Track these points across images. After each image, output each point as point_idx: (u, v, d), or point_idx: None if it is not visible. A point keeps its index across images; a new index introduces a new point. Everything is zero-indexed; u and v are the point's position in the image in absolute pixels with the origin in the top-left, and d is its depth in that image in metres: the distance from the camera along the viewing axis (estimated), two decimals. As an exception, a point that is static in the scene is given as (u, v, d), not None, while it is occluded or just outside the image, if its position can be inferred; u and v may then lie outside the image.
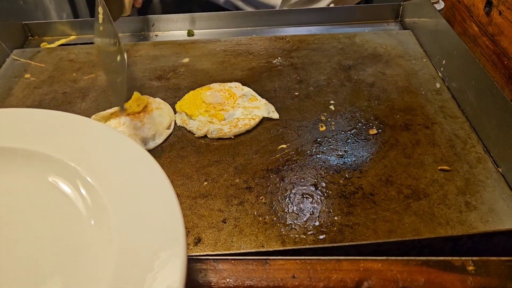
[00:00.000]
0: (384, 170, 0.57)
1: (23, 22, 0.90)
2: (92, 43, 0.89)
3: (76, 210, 0.40)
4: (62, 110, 0.68)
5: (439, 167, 0.58)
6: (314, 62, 0.78)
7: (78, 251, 0.36)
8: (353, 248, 0.48)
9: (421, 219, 0.51)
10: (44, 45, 0.88)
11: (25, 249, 0.37)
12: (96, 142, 0.44)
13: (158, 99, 0.69)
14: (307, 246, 0.47)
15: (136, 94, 0.68)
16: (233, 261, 0.35)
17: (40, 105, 0.70)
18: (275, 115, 0.67)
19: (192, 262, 0.35)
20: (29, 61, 0.81)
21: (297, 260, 0.35)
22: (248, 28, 0.92)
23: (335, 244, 0.47)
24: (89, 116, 0.66)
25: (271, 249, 0.46)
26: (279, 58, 0.79)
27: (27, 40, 0.90)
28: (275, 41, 0.85)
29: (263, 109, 0.67)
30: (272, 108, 0.68)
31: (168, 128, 0.64)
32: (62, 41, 0.89)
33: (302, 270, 0.34)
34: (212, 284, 0.33)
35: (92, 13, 1.23)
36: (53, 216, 0.40)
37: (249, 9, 1.05)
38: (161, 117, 0.65)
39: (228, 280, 0.34)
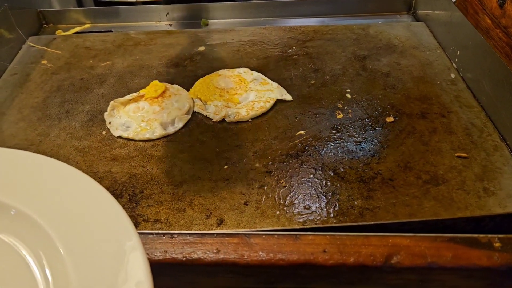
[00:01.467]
0: (402, 157, 0.58)
1: (38, 10, 0.90)
2: (107, 31, 0.89)
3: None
4: (80, 95, 0.69)
5: (456, 154, 0.58)
6: (329, 52, 0.79)
7: None
8: (376, 228, 0.48)
9: (440, 204, 0.52)
10: (59, 32, 0.88)
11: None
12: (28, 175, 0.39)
13: (176, 86, 0.69)
14: (331, 225, 0.48)
15: (154, 81, 0.69)
16: (264, 236, 0.36)
17: (58, 90, 0.71)
18: (288, 97, 0.67)
19: (223, 236, 0.36)
20: (45, 48, 0.81)
21: (327, 236, 0.35)
22: (261, 19, 0.93)
23: (361, 223, 0.48)
24: (108, 101, 0.67)
25: (297, 227, 0.47)
26: (294, 47, 0.80)
27: (41, 27, 0.91)
28: (289, 31, 0.85)
29: (276, 91, 0.68)
30: (284, 90, 0.69)
31: (187, 113, 0.65)
32: (77, 29, 0.90)
33: (332, 245, 0.35)
34: (245, 257, 0.34)
35: (97, 2, 1.22)
36: None
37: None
38: (179, 102, 0.65)
39: (260, 253, 0.34)
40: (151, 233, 0.36)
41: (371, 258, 0.34)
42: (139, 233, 0.36)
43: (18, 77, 0.74)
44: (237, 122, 0.64)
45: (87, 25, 0.92)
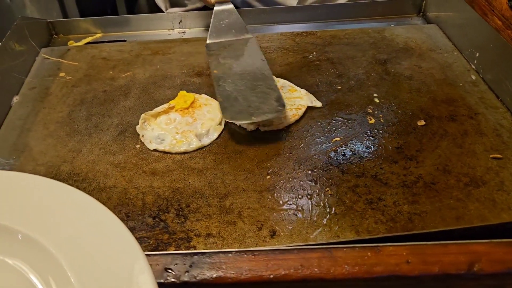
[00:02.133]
0: (440, 160, 0.59)
1: (48, 20, 0.88)
2: (120, 40, 0.88)
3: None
4: (106, 108, 0.68)
5: (491, 156, 0.59)
6: (350, 56, 0.79)
7: None
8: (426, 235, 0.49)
9: (484, 206, 0.53)
10: (71, 43, 0.86)
11: None
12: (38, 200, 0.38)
13: (204, 95, 0.69)
14: (394, 234, 0.48)
15: (182, 92, 0.68)
16: (344, 249, 0.36)
17: (82, 103, 0.69)
18: (318, 103, 0.68)
19: (305, 252, 0.36)
20: (61, 60, 0.79)
21: (407, 246, 0.36)
22: (274, 25, 0.93)
23: (426, 231, 0.48)
24: (136, 114, 0.66)
25: (367, 237, 0.47)
26: (314, 53, 0.80)
27: (51, 38, 0.89)
28: (306, 36, 0.85)
29: (306, 98, 0.68)
30: (313, 97, 0.69)
31: (220, 124, 0.64)
32: (89, 39, 0.88)
33: (414, 255, 0.35)
34: (331, 271, 0.34)
35: (82, 13, 1.19)
36: None
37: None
38: (211, 113, 0.65)
39: (345, 267, 0.34)
40: (230, 252, 0.36)
41: (454, 266, 0.34)
42: (220, 252, 0.36)
43: (38, 91, 0.72)
44: (271, 131, 0.64)
45: (98, 35, 0.90)
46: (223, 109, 0.63)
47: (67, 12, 1.48)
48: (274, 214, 0.52)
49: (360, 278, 0.34)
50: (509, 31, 0.84)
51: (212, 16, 0.81)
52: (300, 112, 0.66)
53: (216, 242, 0.49)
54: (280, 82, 0.71)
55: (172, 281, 0.34)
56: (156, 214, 0.52)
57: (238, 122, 0.63)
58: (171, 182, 0.56)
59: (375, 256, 0.35)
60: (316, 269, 0.34)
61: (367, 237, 0.49)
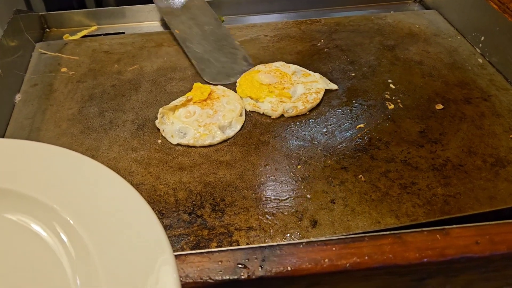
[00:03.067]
0: (463, 142, 0.60)
1: (40, 13, 0.83)
2: (119, 32, 0.84)
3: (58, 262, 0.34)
4: (118, 103, 0.65)
5: (510, 136, 0.61)
6: (358, 43, 0.79)
7: None
8: (471, 217, 0.50)
9: (513, 184, 0.54)
10: (67, 37, 0.82)
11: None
12: (68, 174, 0.39)
13: (220, 86, 0.67)
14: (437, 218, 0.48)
15: (197, 84, 0.66)
16: (413, 234, 0.36)
17: (91, 99, 0.66)
18: (334, 86, 0.68)
19: (375, 239, 0.35)
20: (60, 54, 0.75)
21: (473, 227, 0.36)
22: (276, 14, 0.92)
23: (467, 213, 0.49)
24: (150, 108, 0.64)
25: (407, 224, 0.47)
26: (322, 40, 0.80)
27: (44, 32, 0.84)
28: (311, 24, 0.85)
29: (321, 81, 0.68)
30: (327, 80, 0.69)
31: (241, 115, 0.63)
32: (84, 32, 0.84)
33: (482, 236, 0.35)
34: (404, 254, 0.34)
35: (48, 6, 1.10)
36: (31, 268, 0.34)
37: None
38: (230, 104, 0.63)
39: (418, 251, 0.34)
40: (301, 243, 0.35)
41: (522, 244, 0.35)
42: (289, 244, 0.35)
43: (41, 88, 0.68)
44: (295, 117, 0.63)
45: (93, 28, 0.86)
46: (201, 71, 0.70)
47: (32, 5, 1.40)
48: (311, 203, 0.51)
49: (434, 261, 0.34)
50: (506, 15, 0.86)
51: None
52: (320, 95, 0.65)
53: (258, 235, 0.48)
54: (292, 67, 0.70)
55: (247, 277, 0.32)
56: (192, 210, 0.51)
57: (217, 83, 0.68)
58: (201, 177, 0.55)
59: (444, 239, 0.35)
60: (390, 255, 0.34)
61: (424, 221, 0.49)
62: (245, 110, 0.64)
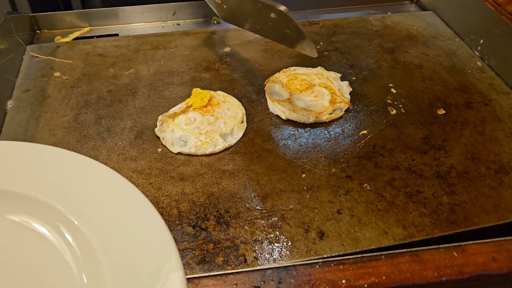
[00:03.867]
0: (466, 148, 0.60)
1: (30, 14, 0.80)
2: (112, 34, 0.82)
3: (62, 260, 0.34)
4: (115, 110, 0.63)
5: (513, 141, 0.61)
6: (357, 46, 0.78)
7: None
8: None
9: (517, 192, 0.54)
10: (58, 39, 0.80)
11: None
12: (72, 176, 0.40)
13: (220, 92, 0.65)
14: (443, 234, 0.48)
15: (196, 89, 0.64)
16: (430, 251, 0.35)
17: (87, 105, 0.64)
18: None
19: (391, 257, 0.35)
20: (52, 58, 0.73)
21: (489, 243, 0.36)
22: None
23: (467, 229, 0.48)
24: (148, 114, 0.62)
25: (415, 239, 0.47)
26: (321, 43, 0.79)
27: (35, 34, 0.81)
28: (309, 26, 0.83)
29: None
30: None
31: (242, 122, 0.61)
32: (77, 34, 0.82)
33: (498, 252, 0.35)
34: (423, 272, 0.33)
35: (33, 7, 1.06)
36: (36, 267, 0.34)
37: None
38: (231, 110, 0.62)
39: (436, 269, 0.33)
40: (317, 263, 0.34)
41: (539, 260, 0.35)
42: (305, 264, 0.34)
43: (34, 94, 0.66)
44: (297, 123, 0.62)
45: (86, 29, 0.83)
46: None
47: (17, 6, 1.35)
48: (317, 214, 0.51)
49: (453, 279, 0.33)
50: (503, 17, 0.86)
51: None
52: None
53: (265, 249, 0.47)
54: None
55: (264, 301, 0.31)
56: (196, 223, 0.49)
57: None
58: (204, 187, 0.53)
59: (461, 256, 0.35)
60: (408, 274, 0.33)
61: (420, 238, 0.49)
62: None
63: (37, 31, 0.82)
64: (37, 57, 0.73)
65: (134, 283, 0.32)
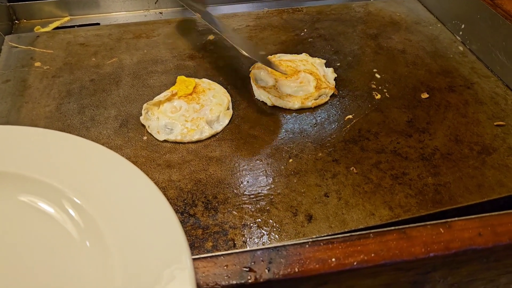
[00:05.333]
0: (450, 131, 0.60)
1: (8, 4, 0.78)
2: (93, 23, 0.81)
3: (67, 233, 0.37)
4: (99, 99, 0.62)
5: (494, 123, 0.62)
6: (341, 32, 0.79)
7: (76, 278, 0.34)
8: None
9: (499, 172, 0.55)
10: (38, 29, 0.78)
11: (17, 280, 0.34)
12: (77, 159, 0.42)
13: (205, 79, 0.65)
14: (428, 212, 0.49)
15: (180, 77, 0.64)
16: (417, 228, 0.35)
17: (69, 95, 0.63)
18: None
19: (380, 235, 0.35)
20: (32, 48, 0.71)
21: (475, 219, 0.36)
22: (257, 2, 0.90)
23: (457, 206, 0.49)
24: (132, 103, 0.61)
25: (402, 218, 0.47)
26: (305, 30, 0.79)
27: (13, 24, 0.79)
28: (293, 13, 0.83)
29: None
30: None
31: (228, 108, 0.61)
32: (57, 23, 0.80)
33: (484, 227, 0.36)
34: (410, 249, 0.34)
35: None
36: (43, 242, 0.37)
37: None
38: (216, 97, 0.62)
39: (424, 246, 0.34)
40: (306, 242, 0.34)
41: (523, 234, 0.35)
42: (295, 244, 0.34)
43: (14, 84, 0.65)
44: (283, 109, 0.62)
45: (66, 18, 0.82)
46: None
47: None
48: (305, 197, 0.51)
49: (439, 255, 0.34)
50: (484, 2, 0.87)
51: None
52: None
53: (254, 233, 0.47)
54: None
55: (255, 280, 0.31)
56: (184, 209, 0.49)
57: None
58: (191, 174, 0.53)
59: (448, 232, 0.35)
60: (396, 251, 0.33)
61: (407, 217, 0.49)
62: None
63: (16, 21, 0.80)
64: (17, 47, 0.71)
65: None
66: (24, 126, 0.45)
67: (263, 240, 0.46)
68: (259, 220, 0.48)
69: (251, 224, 0.48)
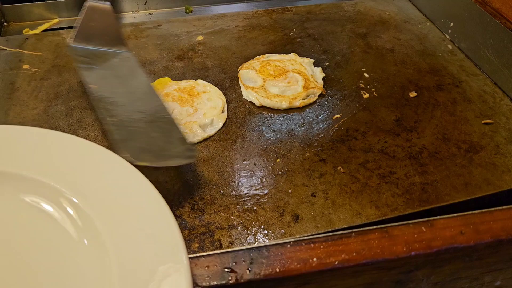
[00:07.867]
0: (437, 129, 0.61)
1: (-4, 6, 0.78)
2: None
3: (65, 232, 0.38)
4: (85, 101, 0.63)
5: (482, 121, 0.62)
6: (330, 32, 0.79)
7: (74, 276, 0.35)
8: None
9: (486, 170, 0.55)
10: (27, 31, 0.78)
11: (17, 277, 0.35)
12: (75, 158, 0.43)
13: (201, 81, 0.65)
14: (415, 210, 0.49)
15: (157, 80, 0.64)
16: (399, 227, 0.36)
17: (57, 97, 0.63)
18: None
19: (362, 234, 0.35)
20: (20, 50, 0.71)
21: (457, 217, 0.36)
22: (246, 3, 0.90)
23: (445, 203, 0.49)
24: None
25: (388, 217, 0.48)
26: (294, 30, 0.79)
27: (2, 27, 0.79)
28: (282, 13, 0.83)
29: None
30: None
31: (223, 112, 0.61)
32: (46, 25, 0.80)
33: (466, 225, 0.36)
34: (394, 250, 0.34)
35: None
36: (42, 240, 0.38)
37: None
38: (211, 101, 0.61)
39: (405, 245, 0.34)
40: (288, 242, 0.34)
41: (504, 232, 0.35)
42: (276, 244, 0.34)
43: (2, 87, 0.64)
44: (271, 109, 0.62)
45: (55, 21, 0.82)
46: (119, 142, 0.48)
47: None
48: (292, 197, 0.51)
49: (421, 254, 0.34)
50: (472, 0, 0.87)
51: (83, 12, 0.65)
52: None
53: (240, 233, 0.47)
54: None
55: (236, 281, 0.31)
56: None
57: (143, 163, 0.46)
58: (178, 175, 0.53)
59: (430, 231, 0.35)
60: (378, 250, 0.34)
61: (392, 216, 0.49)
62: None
63: (4, 24, 0.80)
64: (5, 49, 0.71)
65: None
66: (24, 126, 0.46)
67: (249, 241, 0.46)
68: (246, 220, 0.48)
69: (238, 225, 0.48)
